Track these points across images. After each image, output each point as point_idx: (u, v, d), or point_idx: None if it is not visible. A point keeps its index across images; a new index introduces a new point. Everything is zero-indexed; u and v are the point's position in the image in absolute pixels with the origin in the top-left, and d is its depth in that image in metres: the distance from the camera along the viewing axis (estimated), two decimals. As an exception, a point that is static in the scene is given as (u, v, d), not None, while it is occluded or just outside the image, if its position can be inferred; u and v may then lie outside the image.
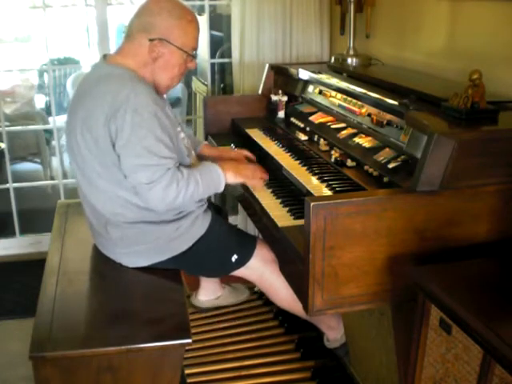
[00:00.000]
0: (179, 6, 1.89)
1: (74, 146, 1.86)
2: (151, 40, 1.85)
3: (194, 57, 1.96)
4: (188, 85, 4.74)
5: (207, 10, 3.31)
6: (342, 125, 2.17)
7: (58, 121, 3.49)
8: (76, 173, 1.93)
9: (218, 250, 2.02)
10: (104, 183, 1.85)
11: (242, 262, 2.03)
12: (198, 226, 1.97)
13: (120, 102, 1.73)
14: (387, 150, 1.82)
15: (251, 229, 3.12)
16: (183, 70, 1.95)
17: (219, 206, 2.56)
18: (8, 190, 3.38)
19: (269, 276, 2.07)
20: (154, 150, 1.75)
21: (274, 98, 2.67)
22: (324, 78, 2.41)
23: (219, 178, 1.93)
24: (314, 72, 2.50)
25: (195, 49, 1.95)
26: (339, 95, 2.27)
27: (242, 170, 2.01)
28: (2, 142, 3.51)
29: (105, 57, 1.95)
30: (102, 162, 1.81)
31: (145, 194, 1.79)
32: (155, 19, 1.85)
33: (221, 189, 1.95)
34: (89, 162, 1.83)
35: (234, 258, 2.02)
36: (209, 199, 2.12)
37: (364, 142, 1.96)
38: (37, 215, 3.65)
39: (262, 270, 2.06)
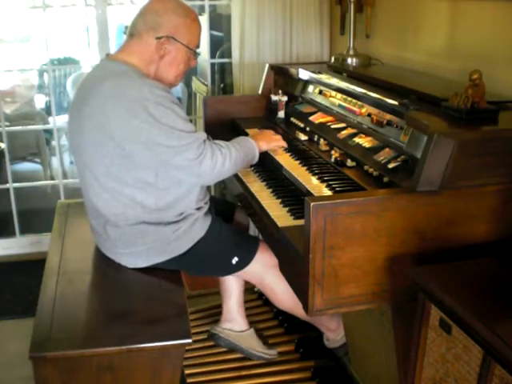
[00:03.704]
0: (183, 5, 1.95)
1: (84, 144, 1.86)
2: (158, 38, 1.87)
3: (198, 54, 2.01)
4: (188, 85, 4.73)
5: (207, 10, 3.31)
6: (342, 125, 2.17)
7: (58, 121, 3.50)
8: (81, 172, 1.93)
9: (217, 252, 2.01)
10: (110, 181, 1.85)
11: (242, 265, 2.04)
12: (197, 228, 1.97)
13: (137, 99, 1.75)
14: (387, 150, 1.82)
15: (251, 229, 3.11)
16: (187, 67, 1.99)
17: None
18: (8, 189, 3.39)
19: (270, 280, 2.07)
20: (187, 129, 1.82)
21: (274, 97, 2.67)
22: (324, 77, 2.41)
23: (253, 146, 2.05)
24: (313, 72, 2.50)
25: (198, 46, 1.99)
26: (339, 95, 2.27)
27: (269, 136, 2.18)
28: (2, 141, 3.51)
29: (107, 56, 1.96)
30: (113, 157, 1.81)
31: (196, 170, 1.84)
32: (162, 18, 1.88)
33: (256, 157, 2.06)
34: (99, 158, 1.83)
35: (235, 260, 2.02)
36: (213, 200, 2.11)
37: (364, 142, 1.96)
38: (37, 215, 3.65)
39: (263, 273, 2.07)
